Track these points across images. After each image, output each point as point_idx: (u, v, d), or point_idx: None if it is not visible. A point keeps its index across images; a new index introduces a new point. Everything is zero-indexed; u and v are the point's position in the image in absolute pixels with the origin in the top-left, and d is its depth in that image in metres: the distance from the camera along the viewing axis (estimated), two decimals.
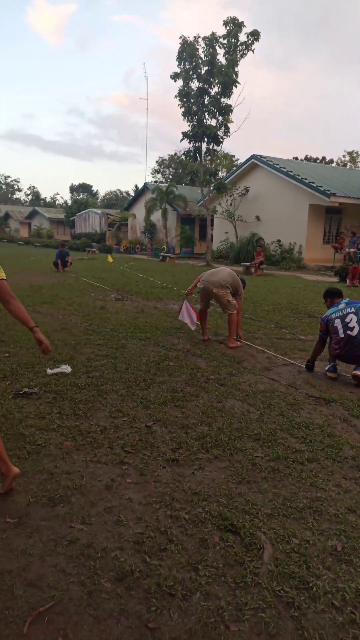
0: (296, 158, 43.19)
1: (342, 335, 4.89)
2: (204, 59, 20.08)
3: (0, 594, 1.93)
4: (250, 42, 19.69)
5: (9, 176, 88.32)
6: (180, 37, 19.98)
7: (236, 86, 20.41)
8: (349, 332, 4.87)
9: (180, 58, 20.34)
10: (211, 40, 19.74)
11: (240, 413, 3.95)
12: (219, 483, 2.85)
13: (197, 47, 19.94)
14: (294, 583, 2.06)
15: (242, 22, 19.31)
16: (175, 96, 20.86)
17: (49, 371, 4.72)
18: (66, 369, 4.80)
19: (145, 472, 2.94)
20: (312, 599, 1.98)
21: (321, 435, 3.59)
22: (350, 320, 4.90)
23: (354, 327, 4.86)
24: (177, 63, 20.50)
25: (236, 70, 20.06)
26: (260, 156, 23.18)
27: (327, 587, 2.04)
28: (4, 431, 3.39)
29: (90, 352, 5.59)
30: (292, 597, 1.98)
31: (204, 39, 19.87)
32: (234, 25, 19.33)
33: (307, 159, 49.99)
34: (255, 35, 19.56)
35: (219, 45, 19.84)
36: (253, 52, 19.91)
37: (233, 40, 19.63)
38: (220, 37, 19.71)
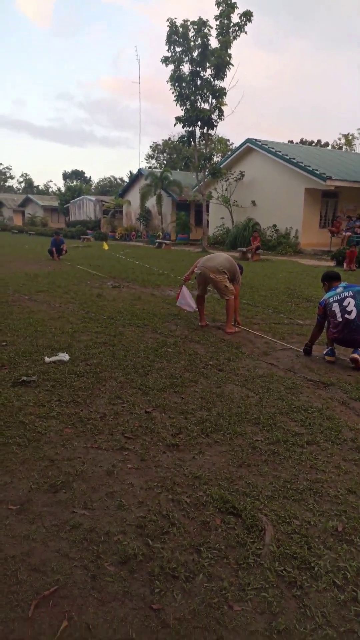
0: (291, 142, 42.84)
1: (340, 319, 4.89)
2: (195, 42, 19.76)
3: (4, 579, 1.95)
4: (242, 23, 19.42)
5: (0, 163, 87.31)
6: (168, 20, 19.67)
7: (229, 68, 20.17)
8: (346, 315, 4.87)
9: (170, 41, 20.02)
10: (199, 25, 19.41)
11: (239, 398, 3.97)
12: (219, 467, 2.87)
13: (188, 30, 19.62)
14: (296, 563, 2.08)
15: (235, 2, 19.01)
16: (167, 81, 20.59)
17: (46, 359, 4.71)
18: (64, 357, 4.79)
19: (145, 458, 2.95)
20: (314, 578, 2.00)
21: (320, 418, 3.61)
22: (348, 304, 4.90)
23: (351, 310, 4.86)
24: (166, 47, 20.18)
25: (229, 52, 19.78)
26: (255, 140, 22.97)
27: (328, 566, 2.06)
28: (3, 419, 3.40)
29: (88, 340, 5.58)
30: (294, 576, 2.00)
31: (192, 23, 19.54)
32: (226, 5, 19.02)
33: (302, 142, 49.62)
34: (247, 15, 19.28)
35: (209, 28, 19.52)
36: (246, 33, 19.64)
37: (226, 21, 19.33)
38: (207, 20, 19.40)
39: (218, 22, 19.46)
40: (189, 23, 19.63)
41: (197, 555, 2.13)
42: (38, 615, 1.79)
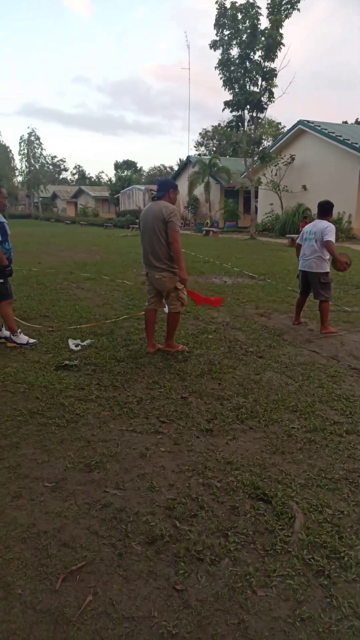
0: (346, 122, 41.06)
1: None
2: (245, 24, 19.23)
3: (36, 552, 2.03)
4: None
5: (55, 156, 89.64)
6: (217, 2, 19.23)
7: (280, 49, 19.52)
8: None
9: (218, 25, 19.60)
10: (247, 7, 18.84)
11: (278, 385, 3.89)
12: (252, 453, 2.84)
13: (237, 12, 19.10)
14: (325, 552, 2.03)
15: None
16: (215, 67, 20.24)
17: (70, 343, 4.82)
18: (85, 343, 4.85)
19: (179, 442, 2.97)
20: (343, 569, 1.94)
21: None
22: None
23: None
24: (214, 31, 19.79)
25: (280, 31, 19.13)
26: (308, 121, 22.19)
27: (359, 557, 1.99)
28: (45, 401, 3.52)
29: (130, 327, 5.66)
30: (322, 565, 1.95)
31: (239, 7, 19.01)
32: None
33: (357, 122, 47.42)
34: None
35: (257, 8, 18.91)
36: (298, 10, 18.89)
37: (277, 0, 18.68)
38: (255, 2, 18.78)
39: (269, 1, 18.83)
40: (238, 4, 19.15)
41: (224, 539, 2.12)
42: (65, 589, 1.84)
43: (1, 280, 4.69)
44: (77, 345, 4.81)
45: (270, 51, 19.50)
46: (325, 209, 5.57)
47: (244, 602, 1.79)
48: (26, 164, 50.12)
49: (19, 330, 4.93)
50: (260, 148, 22.13)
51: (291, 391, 3.77)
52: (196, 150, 57.54)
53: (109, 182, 54.65)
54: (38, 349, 4.76)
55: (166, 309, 4.76)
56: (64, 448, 2.89)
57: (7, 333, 4.93)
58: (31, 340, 4.92)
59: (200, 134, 58.92)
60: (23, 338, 4.88)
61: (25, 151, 50.06)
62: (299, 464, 2.73)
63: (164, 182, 4.54)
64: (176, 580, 1.89)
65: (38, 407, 3.41)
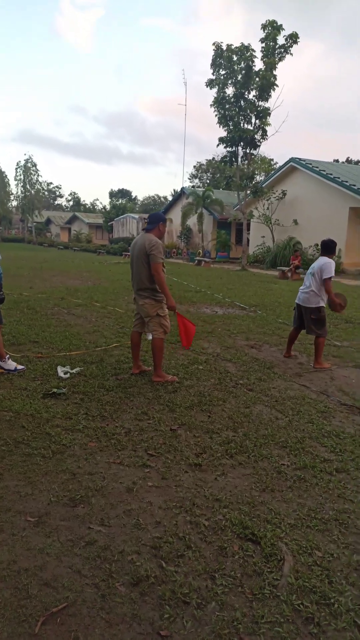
0: (337, 160, 42.32)
1: None
2: (239, 65, 19.98)
3: (15, 592, 1.94)
4: (288, 44, 19.49)
5: (51, 183, 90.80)
6: (214, 44, 20.01)
7: (274, 89, 20.23)
8: None
9: (215, 64, 20.35)
10: (242, 50, 19.62)
11: (267, 419, 3.86)
12: (241, 490, 2.78)
13: (232, 54, 19.87)
14: (315, 598, 1.97)
15: (281, 25, 19.15)
16: (211, 105, 20.87)
17: (59, 370, 4.78)
18: (67, 371, 4.81)
19: (167, 476, 2.91)
20: (333, 616, 1.88)
21: (352, 445, 3.45)
22: None
23: None
24: (211, 70, 20.53)
25: (274, 73, 19.88)
26: (299, 159, 22.83)
27: (350, 604, 1.94)
28: (30, 430, 3.44)
29: (120, 355, 5.62)
30: (311, 612, 1.89)
31: (234, 50, 19.80)
32: (272, 28, 19.18)
33: (348, 161, 48.94)
34: (293, 37, 19.34)
35: (252, 51, 19.70)
36: (291, 54, 19.69)
37: (271, 44, 19.48)
38: (249, 45, 19.58)
39: (263, 45, 19.63)
40: (233, 47, 19.95)
41: (211, 581, 2.05)
42: (44, 633, 1.76)
43: None
44: (65, 373, 4.75)
45: (264, 91, 20.18)
46: (328, 247, 5.65)
47: None
48: (22, 189, 50.53)
49: (8, 356, 4.87)
50: (253, 182, 22.61)
51: (281, 426, 3.74)
52: (190, 182, 58.71)
53: (103, 210, 55.20)
54: (26, 376, 4.70)
55: (149, 336, 4.86)
56: (49, 480, 2.81)
57: None
58: (19, 367, 4.85)
59: (194, 166, 60.34)
60: (11, 364, 4.82)
61: (22, 177, 50.55)
62: (289, 502, 2.68)
63: (154, 216, 4.80)
64: (161, 625, 1.82)
65: (23, 437, 3.34)
